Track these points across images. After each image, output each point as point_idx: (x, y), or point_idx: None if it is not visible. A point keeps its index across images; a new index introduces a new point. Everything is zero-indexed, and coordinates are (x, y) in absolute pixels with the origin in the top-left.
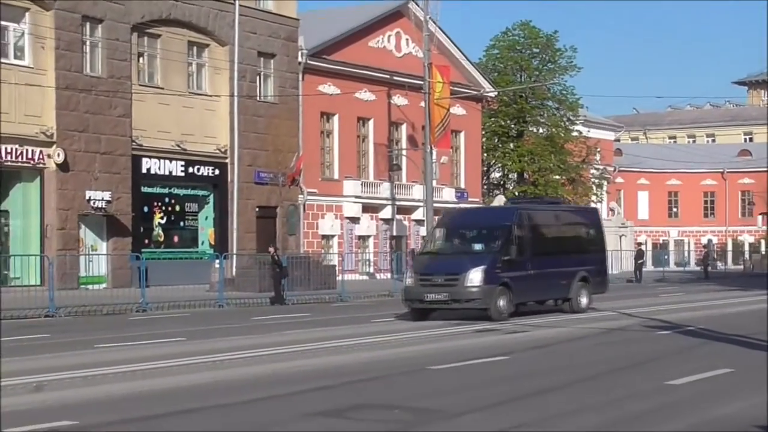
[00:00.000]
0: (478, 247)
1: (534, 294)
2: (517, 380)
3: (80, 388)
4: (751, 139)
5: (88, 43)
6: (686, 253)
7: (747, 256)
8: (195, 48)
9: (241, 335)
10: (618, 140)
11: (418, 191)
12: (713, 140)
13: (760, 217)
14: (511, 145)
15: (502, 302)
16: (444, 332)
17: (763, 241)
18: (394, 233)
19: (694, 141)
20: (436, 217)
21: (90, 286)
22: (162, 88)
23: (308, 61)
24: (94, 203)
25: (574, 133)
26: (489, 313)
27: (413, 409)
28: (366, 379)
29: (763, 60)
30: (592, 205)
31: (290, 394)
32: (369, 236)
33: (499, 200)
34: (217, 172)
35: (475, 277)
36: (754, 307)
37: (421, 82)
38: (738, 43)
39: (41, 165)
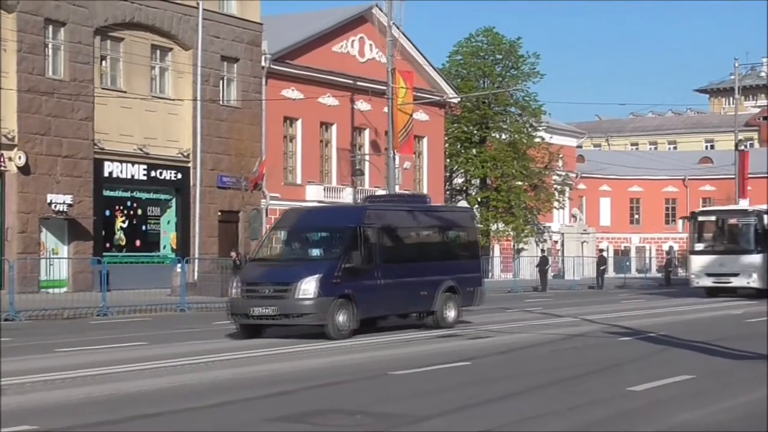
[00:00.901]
0: (316, 252)
1: (385, 307)
2: (479, 386)
3: (40, 392)
4: (712, 147)
5: (50, 45)
6: (648, 260)
7: None
8: (158, 52)
9: (203, 340)
10: (580, 147)
11: None
12: (675, 147)
13: (680, 222)
14: (474, 150)
15: (341, 318)
16: (405, 338)
17: None
18: None
19: (655, 148)
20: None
21: (51, 290)
22: (125, 92)
23: (272, 66)
24: (55, 206)
25: (537, 140)
26: (326, 331)
27: (375, 414)
28: (328, 384)
29: (729, 67)
30: (555, 211)
31: (252, 399)
32: None
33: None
34: (179, 176)
35: (308, 287)
36: (715, 314)
37: (385, 88)
38: (700, 51)
39: (2, 168)
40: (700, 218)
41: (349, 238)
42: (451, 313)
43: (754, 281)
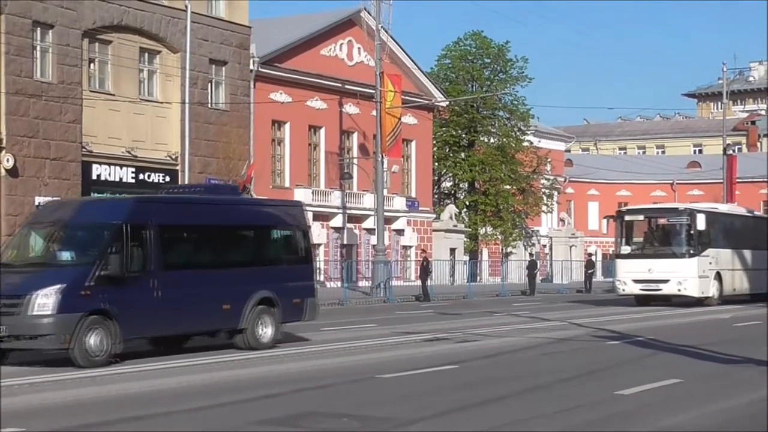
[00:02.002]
0: (66, 256)
1: (164, 325)
2: (466, 389)
3: (27, 394)
4: (700, 151)
5: (38, 48)
6: None
7: None
8: (146, 54)
9: (189, 343)
10: (568, 151)
11: (369, 200)
12: (663, 152)
13: (604, 222)
14: (462, 154)
15: (93, 339)
16: (393, 341)
17: None
18: (345, 242)
19: (644, 152)
20: (387, 226)
21: None
22: (113, 95)
23: (260, 69)
24: None
25: (525, 144)
26: (71, 356)
27: (362, 417)
28: (315, 387)
29: (717, 71)
30: (543, 215)
31: (239, 402)
32: (319, 244)
33: (450, 210)
34: (167, 179)
35: (45, 301)
36: (702, 318)
37: (373, 91)
38: (688, 55)
39: None
40: (627, 218)
41: (110, 238)
42: (266, 331)
43: (686, 288)
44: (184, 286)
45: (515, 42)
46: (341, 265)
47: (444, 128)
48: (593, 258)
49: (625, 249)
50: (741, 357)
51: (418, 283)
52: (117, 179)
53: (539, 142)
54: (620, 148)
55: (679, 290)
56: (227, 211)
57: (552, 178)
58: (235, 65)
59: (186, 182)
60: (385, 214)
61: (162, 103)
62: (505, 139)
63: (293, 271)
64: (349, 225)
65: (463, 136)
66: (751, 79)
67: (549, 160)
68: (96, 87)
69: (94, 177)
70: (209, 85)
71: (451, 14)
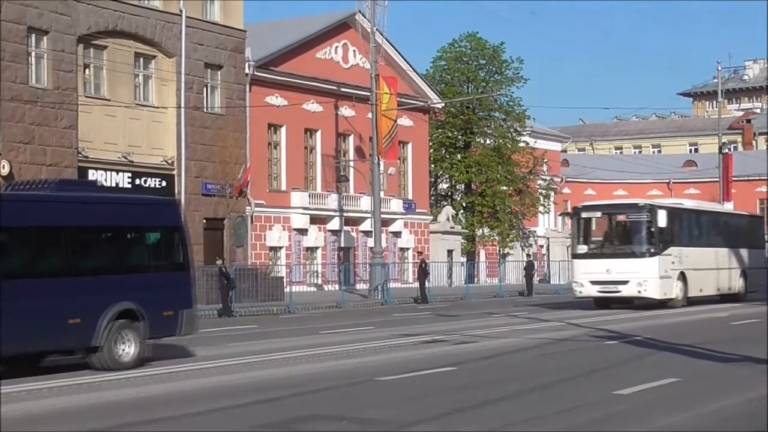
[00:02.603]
0: None
1: None
2: (465, 391)
3: (26, 401)
4: (696, 150)
5: (33, 54)
6: None
7: None
8: (141, 59)
9: (189, 347)
10: (565, 151)
11: (365, 202)
12: (659, 151)
13: (560, 219)
14: (459, 156)
15: None
16: (391, 343)
17: None
18: (342, 245)
19: (640, 152)
20: (384, 228)
21: None
22: (108, 100)
23: (255, 73)
24: None
25: (521, 144)
26: None
27: (362, 420)
28: (314, 391)
29: (712, 71)
30: (540, 215)
31: (238, 406)
32: (317, 248)
33: (447, 211)
34: (164, 183)
35: None
36: (700, 317)
37: (369, 94)
38: (683, 55)
39: None
40: (584, 214)
41: None
42: (129, 350)
43: (646, 290)
44: (22, 298)
45: (510, 43)
46: (339, 268)
47: (440, 130)
48: None
49: (582, 248)
50: (739, 356)
51: (416, 285)
52: (113, 185)
53: (535, 142)
54: (616, 148)
55: (639, 292)
56: (80, 210)
57: (548, 178)
58: (230, 69)
59: (183, 187)
60: (382, 216)
61: (158, 107)
62: (501, 140)
63: (165, 279)
64: (346, 228)
65: (459, 137)
66: (746, 77)
67: (545, 160)
68: (91, 92)
69: None
70: (205, 89)
71: (446, 16)
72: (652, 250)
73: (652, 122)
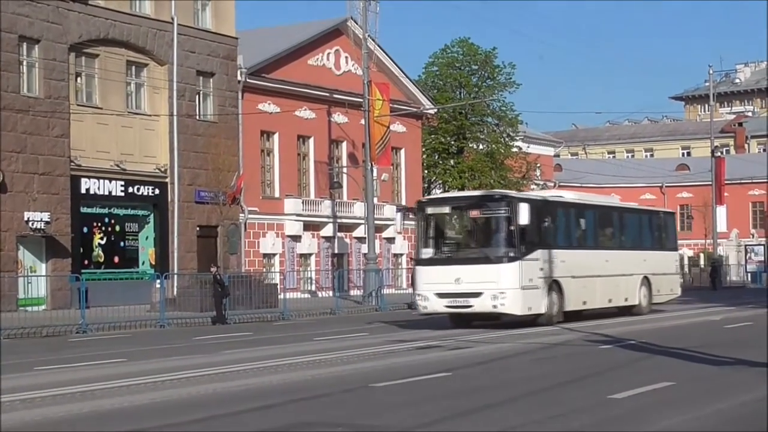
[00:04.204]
0: None
1: None
2: (460, 396)
3: (20, 411)
4: (689, 154)
5: (25, 63)
6: None
7: (686, 269)
8: (133, 67)
9: (183, 355)
10: (557, 155)
11: (359, 209)
12: (652, 155)
13: (398, 217)
14: (452, 161)
15: None
16: (385, 349)
17: (702, 255)
18: (336, 251)
19: (632, 156)
20: (378, 234)
21: (29, 308)
22: (100, 108)
23: (247, 80)
24: (32, 224)
25: (514, 149)
26: None
27: (356, 427)
28: (308, 398)
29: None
30: None
31: (232, 414)
32: (310, 254)
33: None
34: (157, 191)
35: None
36: (694, 320)
37: (361, 100)
38: (675, 59)
39: None
40: (429, 210)
41: None
42: None
43: (503, 304)
44: None
45: (502, 48)
46: (332, 274)
47: (433, 135)
48: None
49: (427, 252)
50: (733, 359)
51: (410, 290)
52: (106, 193)
53: (528, 147)
54: (609, 152)
55: (494, 306)
56: None
57: (542, 183)
58: (222, 76)
59: (176, 194)
60: (376, 222)
61: (150, 115)
62: (494, 146)
63: None
64: (339, 234)
65: (452, 143)
66: (737, 81)
67: (538, 165)
68: (83, 101)
69: (83, 191)
70: (197, 96)
71: (438, 21)
72: (512, 254)
73: (645, 126)
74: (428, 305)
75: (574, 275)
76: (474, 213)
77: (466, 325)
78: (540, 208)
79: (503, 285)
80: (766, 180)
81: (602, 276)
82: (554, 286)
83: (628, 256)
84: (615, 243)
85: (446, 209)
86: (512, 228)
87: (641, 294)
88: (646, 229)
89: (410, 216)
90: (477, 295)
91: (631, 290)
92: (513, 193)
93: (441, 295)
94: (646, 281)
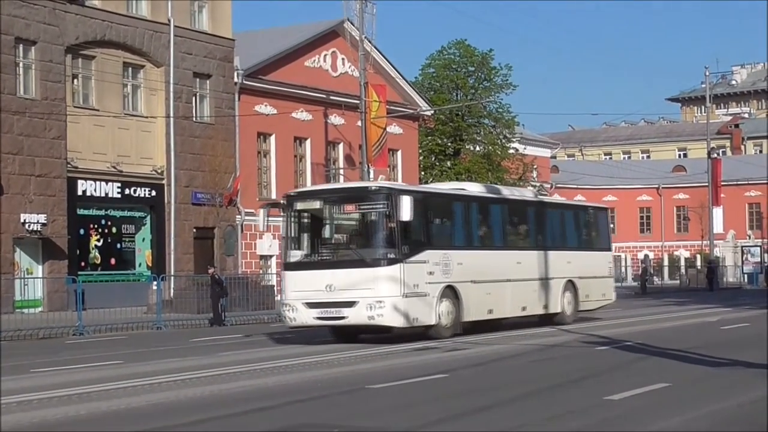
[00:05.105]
0: None
1: None
2: (457, 398)
3: (16, 413)
4: (685, 155)
5: (21, 65)
6: (623, 269)
7: (683, 270)
8: (130, 69)
9: (180, 357)
10: (554, 157)
11: None
12: (648, 156)
13: (262, 213)
14: (449, 163)
15: None
16: (383, 351)
17: (699, 256)
18: None
19: (629, 157)
20: None
21: (26, 310)
22: (97, 110)
23: (244, 82)
24: (29, 226)
25: (511, 151)
26: None
27: (354, 428)
28: (305, 399)
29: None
30: None
31: (229, 416)
32: None
33: None
34: (153, 193)
35: None
36: (690, 321)
37: (358, 102)
38: (671, 60)
39: None
40: (299, 205)
41: None
42: None
43: (382, 315)
44: None
45: (499, 50)
46: None
47: (429, 137)
48: None
49: (295, 255)
50: (730, 360)
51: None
52: (103, 194)
53: (525, 149)
54: (606, 154)
55: (370, 318)
56: None
57: (538, 184)
58: (219, 78)
59: (172, 196)
60: None
61: (147, 117)
62: (490, 147)
63: None
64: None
65: (449, 144)
66: (733, 82)
67: (535, 167)
68: (80, 102)
69: (80, 193)
70: (194, 98)
71: (435, 23)
72: (391, 256)
73: (641, 128)
74: (296, 317)
75: (475, 280)
76: (349, 208)
77: (351, 339)
78: (429, 202)
79: (381, 292)
80: (763, 181)
81: (513, 280)
82: (449, 292)
83: (548, 257)
84: (530, 242)
85: (317, 204)
86: (393, 225)
87: (564, 300)
88: (571, 227)
89: (281, 212)
90: (351, 304)
91: (552, 296)
92: (394, 184)
93: (311, 305)
94: (571, 286)
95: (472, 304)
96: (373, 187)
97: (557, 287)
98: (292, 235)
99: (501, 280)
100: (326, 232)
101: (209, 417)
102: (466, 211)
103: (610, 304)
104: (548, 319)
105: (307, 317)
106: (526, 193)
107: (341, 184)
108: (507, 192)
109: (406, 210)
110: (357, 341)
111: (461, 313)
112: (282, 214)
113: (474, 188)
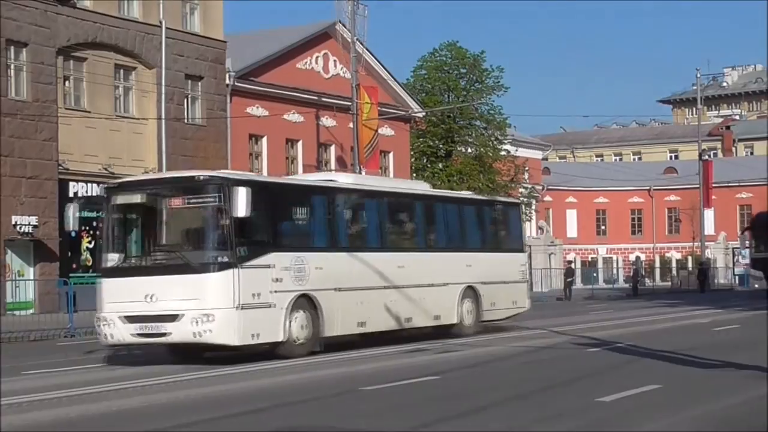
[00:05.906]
0: None
1: None
2: (448, 400)
3: (8, 415)
4: (676, 157)
5: (12, 66)
6: (615, 271)
7: (674, 272)
8: (122, 71)
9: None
10: (546, 159)
11: None
12: (639, 158)
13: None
14: (440, 165)
15: None
16: (375, 353)
17: (690, 258)
18: None
19: (620, 159)
20: None
21: (17, 312)
22: (89, 112)
23: (236, 83)
24: (20, 228)
25: (503, 153)
26: None
27: (346, 430)
28: (298, 401)
29: (692, 77)
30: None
31: (221, 418)
32: None
33: None
34: None
35: None
36: (682, 323)
37: (349, 103)
38: (662, 62)
39: None
40: (119, 199)
41: None
42: None
43: (211, 330)
44: None
45: (490, 52)
46: None
47: (421, 139)
48: (572, 266)
49: (112, 259)
50: (720, 361)
51: None
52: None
53: (516, 151)
54: (597, 155)
55: (197, 334)
56: None
57: (530, 186)
58: (211, 80)
59: None
60: None
61: (138, 119)
62: (482, 149)
63: None
64: None
65: (441, 146)
66: (724, 84)
67: (527, 168)
68: (71, 104)
69: (71, 195)
70: (185, 100)
71: (426, 25)
72: (224, 259)
73: (633, 129)
74: (114, 333)
75: (340, 287)
76: (176, 202)
77: (193, 359)
78: (278, 195)
79: (209, 304)
80: (757, 183)
81: (393, 287)
82: (304, 302)
83: (441, 259)
84: (418, 243)
85: (138, 198)
86: (226, 222)
87: (463, 309)
88: (473, 225)
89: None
90: (174, 318)
91: (447, 305)
92: (230, 173)
93: (129, 319)
94: (472, 292)
95: (336, 316)
96: (202, 177)
97: (453, 294)
98: (111, 235)
99: (377, 287)
100: (151, 231)
101: (201, 419)
102: (330, 207)
103: (523, 312)
104: (444, 331)
105: (124, 333)
106: (418, 186)
107: (171, 173)
108: (392, 184)
109: (242, 204)
110: (202, 362)
111: (321, 328)
112: (101, 210)
113: (346, 179)
